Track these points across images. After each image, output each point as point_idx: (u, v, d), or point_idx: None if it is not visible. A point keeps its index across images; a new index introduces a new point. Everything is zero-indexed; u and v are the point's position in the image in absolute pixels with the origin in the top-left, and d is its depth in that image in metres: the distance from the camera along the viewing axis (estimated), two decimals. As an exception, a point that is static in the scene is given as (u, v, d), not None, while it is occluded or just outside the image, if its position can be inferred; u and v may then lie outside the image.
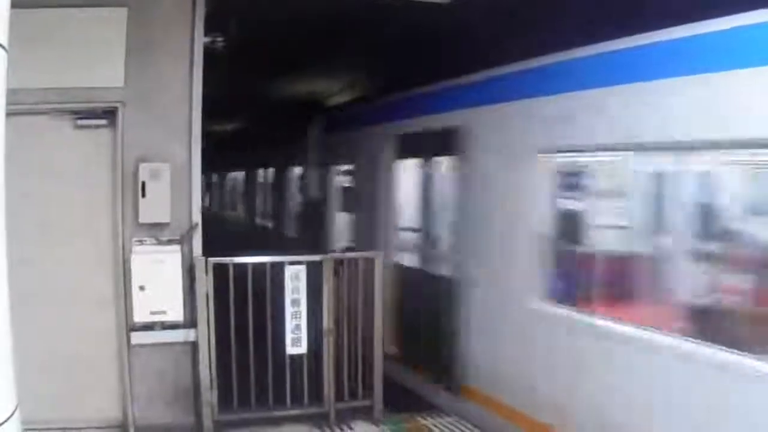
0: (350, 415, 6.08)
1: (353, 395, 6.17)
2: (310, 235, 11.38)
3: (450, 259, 6.94)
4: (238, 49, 7.66)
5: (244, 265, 5.85)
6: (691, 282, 4.47)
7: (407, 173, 7.94)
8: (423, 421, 6.14)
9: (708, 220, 4.40)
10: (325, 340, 6.02)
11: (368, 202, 8.75)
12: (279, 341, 5.88)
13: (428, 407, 6.64)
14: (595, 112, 4.95)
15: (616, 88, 4.80)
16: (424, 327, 7.18)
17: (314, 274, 5.98)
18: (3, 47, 2.18)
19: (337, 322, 6.08)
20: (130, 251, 5.59)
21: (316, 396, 6.02)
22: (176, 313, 5.64)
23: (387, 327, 6.61)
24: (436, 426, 6.04)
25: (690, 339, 4.28)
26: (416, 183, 7.71)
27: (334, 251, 8.25)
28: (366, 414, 6.11)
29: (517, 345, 5.81)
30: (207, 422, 5.70)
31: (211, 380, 5.72)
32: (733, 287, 4.22)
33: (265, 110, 14.35)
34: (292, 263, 5.90)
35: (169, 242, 5.68)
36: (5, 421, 2.17)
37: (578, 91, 5.14)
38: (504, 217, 6.00)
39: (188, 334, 5.70)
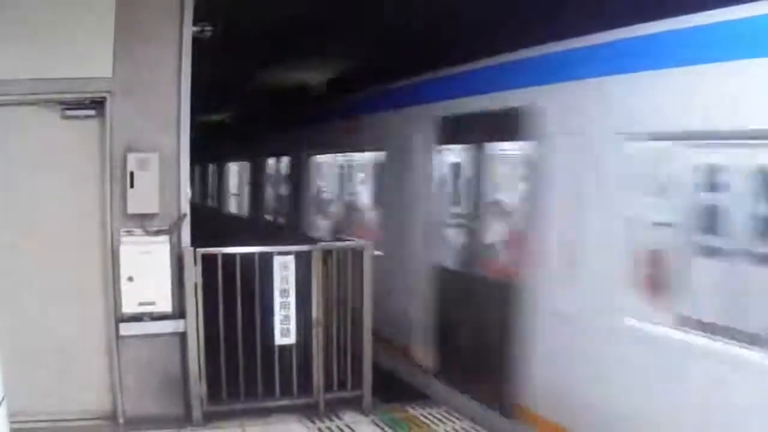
0: (339, 406, 6.09)
1: (342, 386, 6.18)
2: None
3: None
4: (226, 38, 7.64)
5: (232, 256, 5.84)
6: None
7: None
8: (412, 411, 6.17)
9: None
10: (314, 331, 6.03)
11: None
12: (268, 332, 5.89)
13: (417, 397, 6.68)
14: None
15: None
16: None
17: (303, 264, 5.99)
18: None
19: (326, 312, 6.09)
20: (119, 242, 5.58)
21: (305, 387, 6.03)
22: (165, 304, 5.64)
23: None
24: (425, 416, 6.06)
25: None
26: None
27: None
28: (355, 404, 6.12)
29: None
30: (196, 413, 5.71)
31: (200, 371, 5.71)
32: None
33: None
34: (280, 253, 5.91)
35: (158, 233, 5.66)
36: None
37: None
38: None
39: (177, 325, 5.69)
